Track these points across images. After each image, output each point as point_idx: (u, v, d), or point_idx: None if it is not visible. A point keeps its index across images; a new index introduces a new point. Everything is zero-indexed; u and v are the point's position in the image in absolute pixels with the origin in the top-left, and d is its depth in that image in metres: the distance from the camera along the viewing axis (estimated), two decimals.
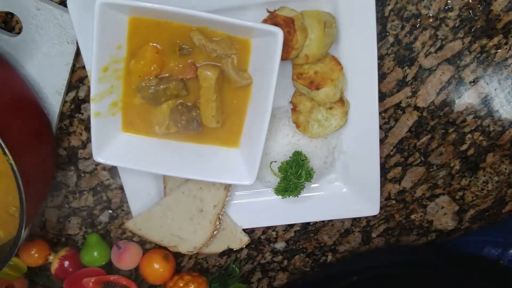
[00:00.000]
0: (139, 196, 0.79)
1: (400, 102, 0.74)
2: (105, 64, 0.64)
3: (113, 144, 0.69)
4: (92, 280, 0.81)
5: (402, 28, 0.70)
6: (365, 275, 0.79)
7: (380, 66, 0.72)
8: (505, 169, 0.78)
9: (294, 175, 0.71)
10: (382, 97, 0.74)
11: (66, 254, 0.84)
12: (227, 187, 0.77)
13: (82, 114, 0.77)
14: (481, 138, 0.76)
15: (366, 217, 0.83)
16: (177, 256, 0.86)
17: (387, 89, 0.74)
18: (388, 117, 0.76)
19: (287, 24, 0.61)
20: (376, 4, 0.65)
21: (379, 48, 0.70)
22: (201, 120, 0.68)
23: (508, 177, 0.78)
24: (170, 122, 0.69)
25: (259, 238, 0.86)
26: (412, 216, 0.83)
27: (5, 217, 0.69)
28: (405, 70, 0.72)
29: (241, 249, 0.85)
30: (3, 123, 0.60)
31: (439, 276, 0.75)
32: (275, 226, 0.85)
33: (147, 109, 0.69)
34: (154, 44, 0.64)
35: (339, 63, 0.67)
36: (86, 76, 0.73)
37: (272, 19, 0.62)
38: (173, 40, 0.64)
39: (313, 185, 0.77)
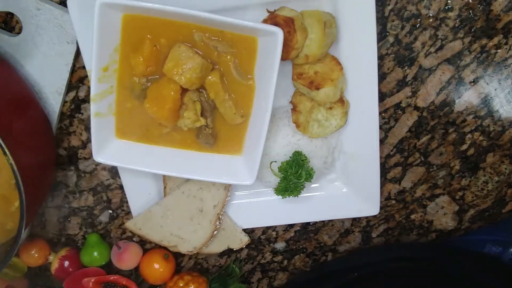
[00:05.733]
0: (139, 196, 0.79)
1: (400, 102, 0.74)
2: (105, 64, 0.64)
3: (113, 144, 0.69)
4: (92, 280, 0.81)
5: (402, 28, 0.70)
6: (366, 271, 0.79)
7: (380, 66, 0.72)
8: (505, 169, 0.78)
9: (294, 175, 0.71)
10: (382, 97, 0.74)
11: (66, 254, 0.84)
12: (227, 187, 0.77)
13: (82, 114, 0.76)
14: (481, 138, 0.76)
15: (366, 217, 0.83)
16: (177, 256, 0.86)
17: (387, 89, 0.74)
18: (388, 117, 0.76)
19: (287, 24, 0.61)
20: (376, 4, 0.65)
21: (379, 48, 0.70)
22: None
23: (508, 177, 0.78)
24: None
25: (259, 238, 0.86)
26: (412, 216, 0.83)
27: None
28: (405, 70, 0.72)
29: (241, 249, 0.85)
30: (3, 123, 0.60)
31: (440, 272, 0.75)
32: (275, 226, 0.85)
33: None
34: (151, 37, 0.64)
35: (339, 63, 0.67)
36: (86, 76, 0.73)
37: (272, 19, 0.62)
38: (175, 38, 0.64)
39: (313, 185, 0.77)
